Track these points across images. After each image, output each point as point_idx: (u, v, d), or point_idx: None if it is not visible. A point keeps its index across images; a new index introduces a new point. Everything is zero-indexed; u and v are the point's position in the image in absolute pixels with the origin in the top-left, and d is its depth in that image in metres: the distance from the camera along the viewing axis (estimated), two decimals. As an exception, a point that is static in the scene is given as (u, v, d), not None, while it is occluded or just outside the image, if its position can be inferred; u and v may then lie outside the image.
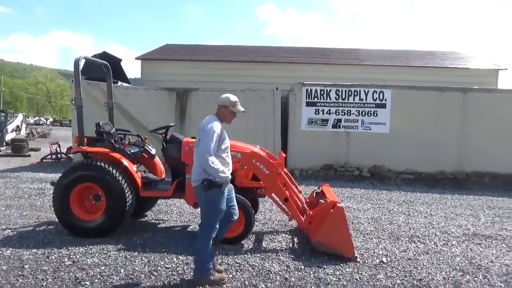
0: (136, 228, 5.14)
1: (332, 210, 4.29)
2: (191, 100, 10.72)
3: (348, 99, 10.51)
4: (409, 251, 4.75)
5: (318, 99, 10.55)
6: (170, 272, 3.73)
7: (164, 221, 5.56)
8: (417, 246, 4.94)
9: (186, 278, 3.61)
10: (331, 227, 4.25)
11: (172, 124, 5.40)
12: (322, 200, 4.80)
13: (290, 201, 4.61)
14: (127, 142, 5.45)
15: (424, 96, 10.34)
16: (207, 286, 3.40)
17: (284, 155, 5.28)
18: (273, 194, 4.76)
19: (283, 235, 5.13)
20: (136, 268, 3.78)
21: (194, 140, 4.95)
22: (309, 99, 10.55)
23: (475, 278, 3.98)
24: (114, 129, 5.51)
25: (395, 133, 10.19)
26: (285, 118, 10.66)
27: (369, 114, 10.44)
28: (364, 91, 10.50)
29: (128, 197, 4.60)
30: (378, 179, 9.97)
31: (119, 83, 11.37)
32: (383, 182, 9.76)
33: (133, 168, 4.86)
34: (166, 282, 3.52)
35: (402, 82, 11.29)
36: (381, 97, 10.49)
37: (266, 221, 5.72)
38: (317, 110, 10.54)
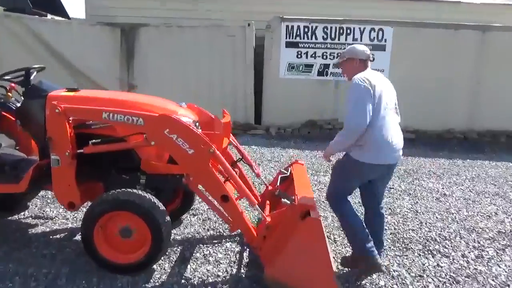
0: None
1: (302, 223, 2.38)
2: (139, 38, 8.41)
3: (338, 39, 8.34)
4: (429, 276, 2.93)
5: (301, 38, 8.35)
6: None
7: (46, 219, 3.60)
8: (438, 264, 3.12)
9: None
10: (299, 254, 2.37)
11: (37, 66, 3.25)
12: (286, 200, 2.85)
13: (232, 201, 2.67)
14: None
15: (433, 35, 8.19)
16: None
17: (227, 118, 3.27)
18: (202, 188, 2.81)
19: (229, 245, 3.25)
20: None
21: (70, 94, 2.90)
22: (289, 38, 8.33)
23: None
24: None
25: (396, 83, 7.93)
26: (260, 63, 8.48)
27: (364, 58, 8.32)
28: (359, 28, 8.30)
29: None
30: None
31: (50, 16, 8.94)
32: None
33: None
34: None
35: (406, 20, 9.06)
36: (380, 37, 8.34)
37: (208, 216, 3.81)
38: (299, 52, 8.37)
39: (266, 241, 2.64)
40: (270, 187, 3.44)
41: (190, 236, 3.37)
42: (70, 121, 2.70)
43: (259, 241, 2.67)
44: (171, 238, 3.21)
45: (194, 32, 8.27)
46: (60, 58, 8.31)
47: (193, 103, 3.33)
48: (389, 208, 4.33)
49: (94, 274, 2.68)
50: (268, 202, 3.28)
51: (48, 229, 3.37)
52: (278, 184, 3.35)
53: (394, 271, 2.97)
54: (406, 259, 3.18)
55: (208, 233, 3.46)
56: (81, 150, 2.71)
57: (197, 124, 3.03)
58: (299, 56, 8.37)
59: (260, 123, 8.53)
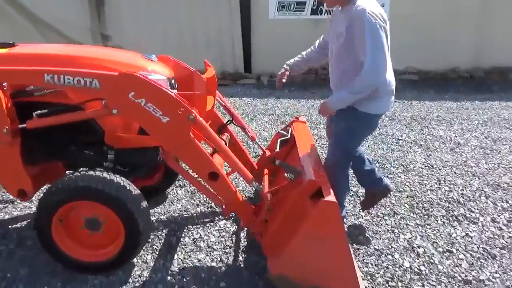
0: None
1: (314, 207, 1.86)
2: (108, -20, 7.39)
3: (333, -29, 7.39)
4: (459, 251, 2.50)
5: (291, -28, 7.41)
6: None
7: (5, 203, 2.99)
8: (467, 234, 2.68)
9: None
10: (310, 245, 1.88)
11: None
12: (289, 175, 2.30)
13: (223, 179, 2.13)
14: None
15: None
16: None
17: (211, 72, 2.62)
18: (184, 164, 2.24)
19: (222, 224, 2.76)
20: None
21: (1, 52, 2.23)
22: (278, -28, 7.39)
23: None
24: None
25: (397, 19, 7.22)
26: (246, 4, 7.57)
27: (363, -7, 7.45)
28: (356, -43, 7.35)
29: None
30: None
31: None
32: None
33: None
34: None
35: None
36: (379, -34, 7.42)
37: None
38: (290, -11, 7.47)
39: (268, 225, 2.15)
40: (268, 153, 2.89)
41: (176, 215, 2.87)
42: (5, 88, 2.06)
43: (260, 226, 2.17)
44: (155, 219, 2.73)
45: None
46: (21, 10, 7.33)
47: (167, 55, 2.66)
48: (401, 165, 3.84)
49: (59, 276, 2.19)
50: (266, 171, 2.75)
51: (7, 217, 2.84)
52: (277, 148, 2.79)
53: (418, 246, 2.53)
54: (430, 229, 2.74)
55: (198, 209, 2.96)
56: (24, 125, 2.09)
57: (172, 81, 2.40)
58: (290, -7, 7.48)
59: (250, 71, 7.82)
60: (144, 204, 2.14)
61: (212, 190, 2.22)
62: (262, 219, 2.14)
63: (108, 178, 2.05)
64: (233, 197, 2.17)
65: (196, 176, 2.25)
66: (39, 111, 2.09)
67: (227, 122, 2.80)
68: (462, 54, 7.75)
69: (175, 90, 2.13)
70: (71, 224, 2.15)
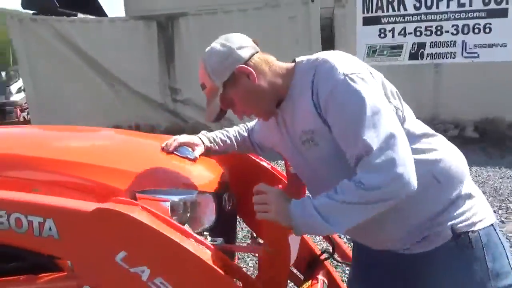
0: None
1: None
2: (179, 31, 6.90)
3: (437, 7, 6.17)
4: None
5: (383, 11, 6.30)
6: None
7: None
8: None
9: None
10: None
11: None
12: None
13: None
14: None
15: None
16: None
17: (301, 187, 1.39)
18: None
19: None
20: None
21: None
22: (368, 13, 6.32)
23: None
24: None
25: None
26: (329, 48, 6.54)
27: (476, 31, 6.07)
28: (467, -11, 6.07)
29: None
30: (492, 142, 5.96)
31: (80, 15, 7.75)
32: (502, 147, 5.82)
33: None
34: None
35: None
36: (498, -1, 6.05)
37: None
38: (382, 30, 6.31)
39: None
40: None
41: None
42: None
43: None
44: None
45: (244, 16, 6.58)
46: (92, 63, 7.12)
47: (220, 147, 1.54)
48: None
49: None
50: None
51: None
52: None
53: None
54: None
55: None
56: None
57: (225, 197, 1.25)
58: (382, 35, 6.32)
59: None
60: None
61: None
62: None
63: None
64: None
65: None
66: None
67: (323, 255, 1.56)
68: None
69: (240, 244, 0.97)
70: None
